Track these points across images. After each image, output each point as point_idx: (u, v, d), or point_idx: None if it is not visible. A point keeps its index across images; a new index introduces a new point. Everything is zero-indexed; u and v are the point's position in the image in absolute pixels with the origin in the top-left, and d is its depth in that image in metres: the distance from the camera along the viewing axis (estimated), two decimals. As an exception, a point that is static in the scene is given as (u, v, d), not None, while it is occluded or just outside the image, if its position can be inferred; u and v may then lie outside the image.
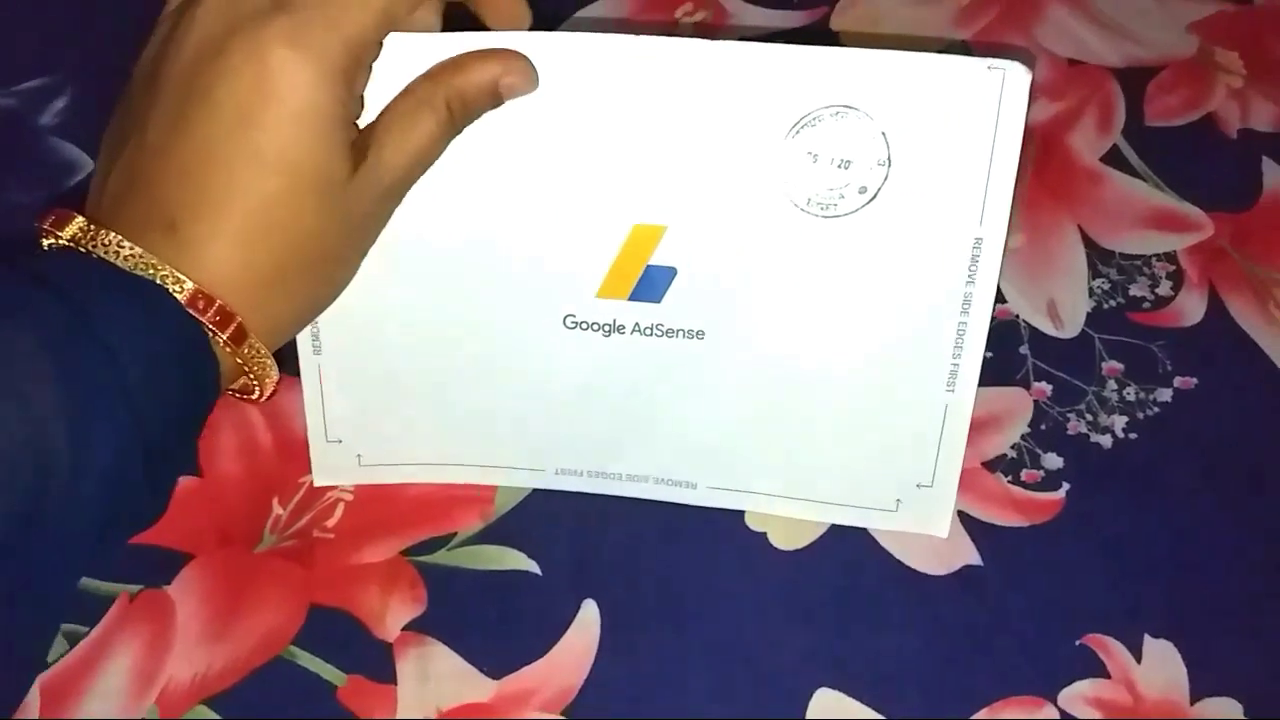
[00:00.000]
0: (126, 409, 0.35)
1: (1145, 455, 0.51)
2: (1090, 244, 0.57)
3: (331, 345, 0.46)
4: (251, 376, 0.40)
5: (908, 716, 0.44)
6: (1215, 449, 0.51)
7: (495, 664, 0.46)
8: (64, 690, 0.45)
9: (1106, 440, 0.51)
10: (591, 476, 0.49)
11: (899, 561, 0.48)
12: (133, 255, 0.37)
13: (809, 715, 0.44)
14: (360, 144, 0.39)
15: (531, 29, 0.42)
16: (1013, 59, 0.40)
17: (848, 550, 0.48)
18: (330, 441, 0.49)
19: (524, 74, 0.41)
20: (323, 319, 0.45)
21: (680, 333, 0.45)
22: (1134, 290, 0.55)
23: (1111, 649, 0.46)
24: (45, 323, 0.34)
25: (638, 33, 0.41)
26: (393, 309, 0.45)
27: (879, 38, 0.65)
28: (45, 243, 0.38)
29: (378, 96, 0.40)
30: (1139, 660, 0.45)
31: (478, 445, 0.49)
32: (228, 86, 0.37)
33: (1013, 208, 0.42)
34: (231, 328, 0.38)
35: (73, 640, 0.46)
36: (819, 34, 0.65)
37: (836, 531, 0.49)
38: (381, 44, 0.39)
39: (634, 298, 0.45)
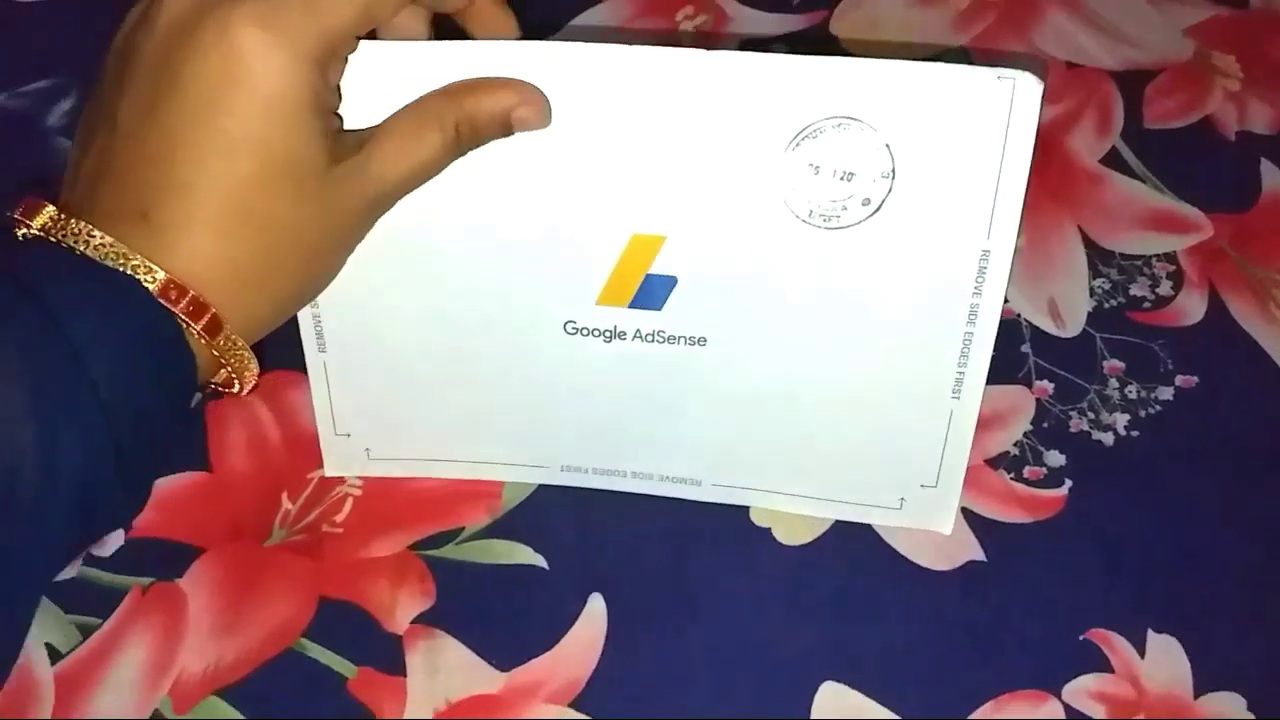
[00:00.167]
0: (96, 407, 0.34)
1: (1147, 452, 0.51)
2: (1091, 244, 0.58)
3: (335, 344, 0.46)
4: (230, 370, 0.38)
5: (912, 711, 0.45)
6: (1216, 446, 0.51)
7: (504, 656, 0.46)
8: (77, 681, 0.45)
9: (1108, 438, 0.51)
10: (597, 473, 0.49)
11: (903, 557, 0.48)
12: (103, 245, 0.35)
13: (814, 709, 0.45)
14: (350, 139, 0.38)
15: (526, 37, 0.42)
16: (1023, 68, 0.39)
17: (852, 546, 0.48)
18: (339, 435, 0.49)
19: (538, 108, 0.40)
20: (326, 319, 0.45)
21: (682, 339, 0.45)
22: (1134, 290, 0.56)
23: (1115, 644, 0.46)
24: (11, 321, 0.33)
25: (638, 38, 0.40)
26: (395, 310, 0.46)
27: (878, 42, 0.65)
28: (19, 233, 0.36)
29: (370, 107, 0.39)
30: (1142, 655, 0.46)
31: (482, 443, 0.49)
32: (196, 67, 0.36)
33: (1017, 214, 0.42)
34: (205, 319, 0.36)
35: (86, 632, 0.46)
36: (818, 38, 0.66)
37: (840, 528, 0.49)
38: (358, 40, 0.38)
39: (634, 305, 0.45)
